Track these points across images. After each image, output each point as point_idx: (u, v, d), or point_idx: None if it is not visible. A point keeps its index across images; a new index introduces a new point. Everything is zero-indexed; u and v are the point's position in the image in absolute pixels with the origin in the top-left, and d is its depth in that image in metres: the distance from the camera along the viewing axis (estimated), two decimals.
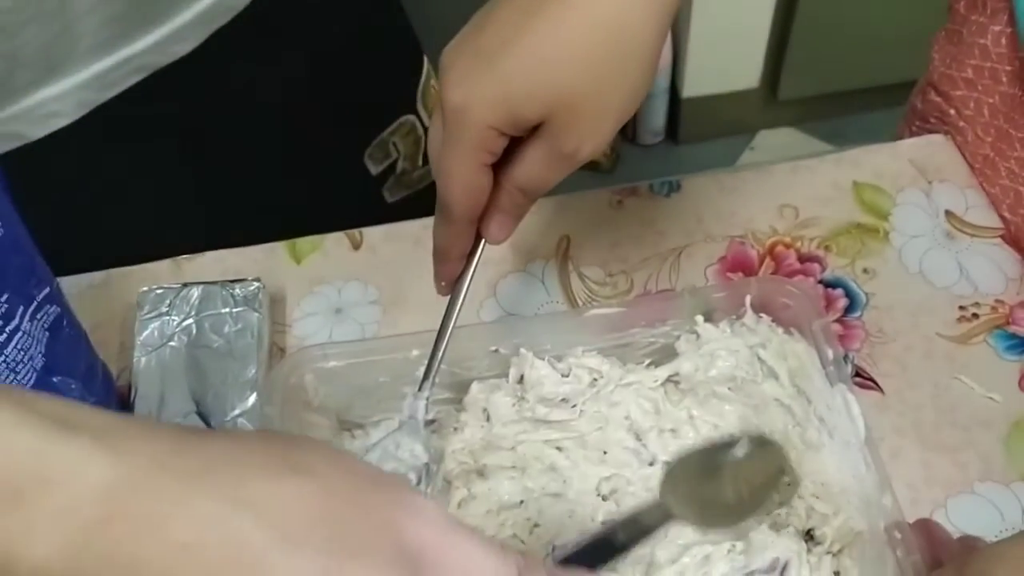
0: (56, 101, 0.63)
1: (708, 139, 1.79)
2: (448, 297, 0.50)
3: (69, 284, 0.66)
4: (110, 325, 0.64)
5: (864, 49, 1.61)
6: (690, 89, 1.72)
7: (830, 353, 0.51)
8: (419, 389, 0.51)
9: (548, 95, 0.41)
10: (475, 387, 0.55)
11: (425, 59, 0.84)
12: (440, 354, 0.50)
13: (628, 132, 1.83)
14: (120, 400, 0.59)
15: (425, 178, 0.85)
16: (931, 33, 0.71)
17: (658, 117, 1.79)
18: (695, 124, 1.78)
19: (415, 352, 0.54)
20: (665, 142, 1.83)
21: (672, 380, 0.54)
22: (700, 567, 0.49)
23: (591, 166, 1.79)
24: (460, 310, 0.50)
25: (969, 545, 0.46)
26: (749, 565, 0.49)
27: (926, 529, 0.47)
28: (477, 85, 0.41)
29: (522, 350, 0.54)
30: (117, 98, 0.65)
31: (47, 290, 0.49)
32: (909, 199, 0.68)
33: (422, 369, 0.54)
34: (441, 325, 0.50)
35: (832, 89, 1.74)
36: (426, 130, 0.82)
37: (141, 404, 0.58)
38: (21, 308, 0.47)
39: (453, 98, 0.42)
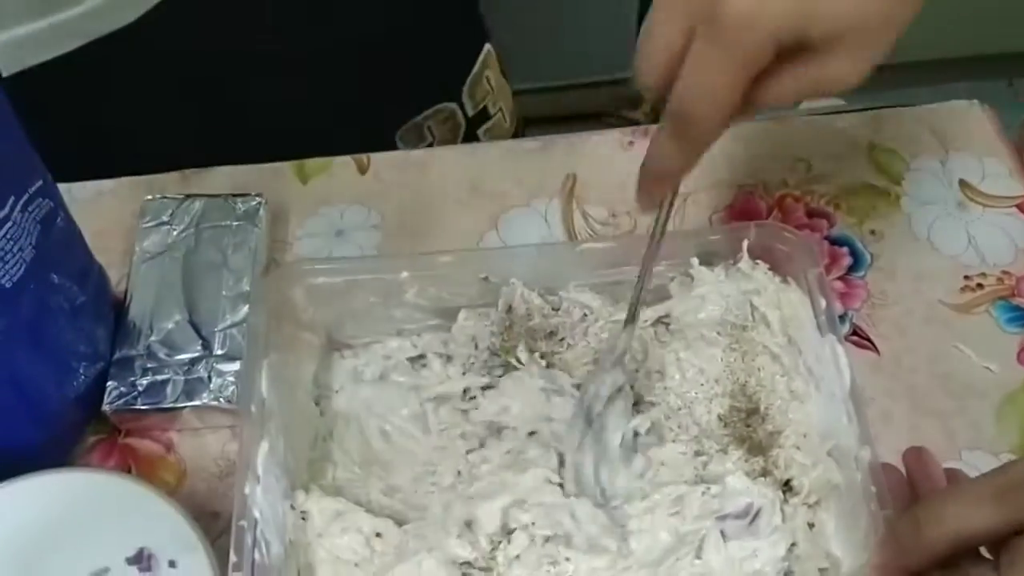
0: None
1: None
2: (653, 217, 0.48)
3: (78, 189, 0.67)
4: (115, 232, 0.64)
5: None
6: None
7: (823, 302, 0.50)
8: (625, 325, 0.50)
9: (851, 11, 0.38)
10: (462, 315, 0.55)
11: (487, 46, 0.81)
12: (642, 284, 0.49)
13: None
14: (115, 305, 0.59)
15: None
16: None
17: None
18: None
19: (405, 274, 0.53)
20: None
21: (663, 321, 0.54)
22: (672, 506, 0.49)
23: (631, 124, 1.76)
24: (663, 236, 0.48)
25: (953, 479, 0.45)
26: (722, 508, 0.48)
27: (918, 458, 0.46)
28: None
29: (512, 280, 0.54)
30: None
31: (40, 183, 0.49)
32: (924, 165, 0.67)
33: (413, 291, 0.54)
34: (645, 254, 0.49)
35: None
36: (468, 119, 0.80)
37: (135, 310, 0.58)
38: (12, 198, 0.47)
39: (742, 4, 0.37)
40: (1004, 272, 0.62)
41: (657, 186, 0.46)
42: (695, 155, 0.44)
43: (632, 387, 0.51)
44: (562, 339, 0.54)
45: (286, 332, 0.54)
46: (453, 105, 0.79)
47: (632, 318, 0.50)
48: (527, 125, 0.94)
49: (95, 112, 0.70)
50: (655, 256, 0.49)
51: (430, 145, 0.79)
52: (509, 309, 0.54)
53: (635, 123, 1.73)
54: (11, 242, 0.47)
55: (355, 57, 0.72)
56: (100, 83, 0.68)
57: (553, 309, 0.55)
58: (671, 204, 0.48)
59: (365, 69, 0.73)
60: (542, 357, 0.54)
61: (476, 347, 0.55)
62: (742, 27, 0.38)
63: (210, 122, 0.71)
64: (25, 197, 0.48)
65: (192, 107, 0.71)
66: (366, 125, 0.74)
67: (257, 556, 0.45)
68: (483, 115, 0.81)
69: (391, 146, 0.77)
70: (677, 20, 0.40)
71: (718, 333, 0.53)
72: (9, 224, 0.47)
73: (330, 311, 0.55)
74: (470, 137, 0.81)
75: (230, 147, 0.68)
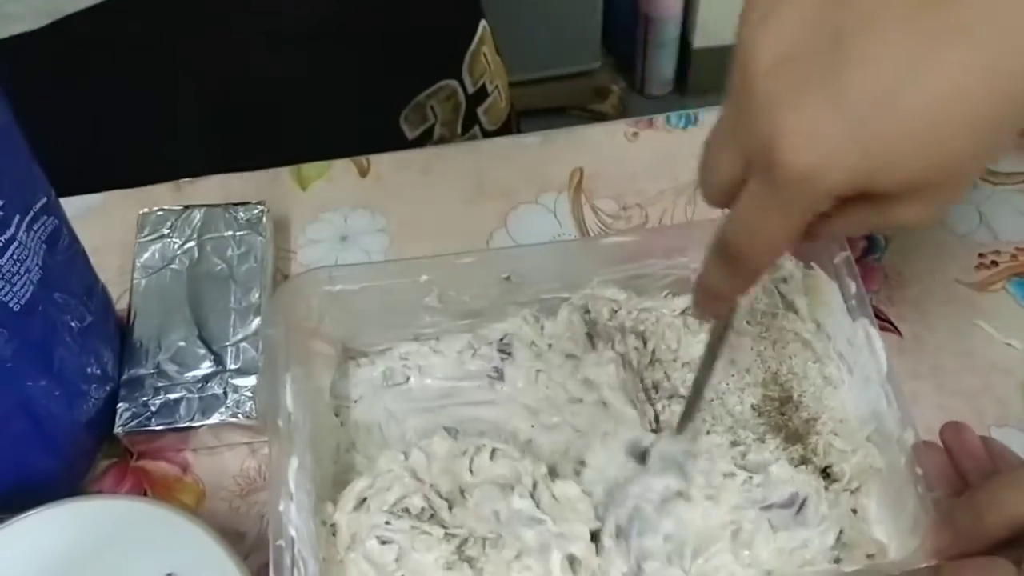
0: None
1: (718, 91, 1.76)
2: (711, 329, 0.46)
3: (65, 206, 0.64)
4: (108, 249, 0.62)
5: None
6: (701, 40, 1.69)
7: (852, 287, 0.50)
8: (677, 431, 0.49)
9: (921, 168, 0.33)
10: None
11: (483, 22, 0.79)
12: (700, 396, 0.48)
13: (636, 82, 1.81)
14: (118, 323, 0.57)
15: None
16: None
17: (667, 68, 1.76)
18: (705, 76, 1.75)
19: (424, 277, 0.52)
20: (673, 94, 1.80)
21: (690, 312, 0.53)
22: (716, 495, 0.48)
23: (598, 117, 1.76)
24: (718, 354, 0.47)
25: (994, 452, 0.45)
26: (767, 498, 0.47)
27: (957, 433, 0.45)
28: (838, 150, 0.33)
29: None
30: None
31: (44, 200, 0.47)
32: None
33: (433, 295, 0.53)
34: (699, 370, 0.47)
35: None
36: (468, 97, 0.78)
37: (141, 328, 0.56)
38: (17, 217, 0.45)
39: (801, 161, 0.33)
40: (1018, 248, 0.61)
41: (710, 304, 0.43)
42: (744, 284, 0.41)
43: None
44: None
45: (301, 344, 0.52)
46: (454, 83, 0.77)
47: (683, 427, 0.48)
48: None
49: (75, 116, 0.67)
50: (708, 377, 0.47)
51: (432, 127, 0.78)
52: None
53: (602, 116, 1.74)
54: (18, 263, 0.45)
55: (355, 33, 0.71)
56: (76, 76, 0.65)
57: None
58: (728, 323, 0.45)
59: (365, 46, 0.71)
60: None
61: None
62: (799, 185, 0.34)
63: (208, 107, 0.69)
64: (30, 216, 0.46)
65: (188, 92, 0.69)
66: (368, 105, 0.72)
67: (296, 575, 0.44)
68: (482, 93, 0.79)
69: (395, 129, 0.76)
70: (734, 152, 0.36)
71: (747, 322, 0.52)
72: (15, 245, 0.45)
73: (346, 320, 0.54)
74: (470, 117, 0.79)
75: (228, 142, 0.66)
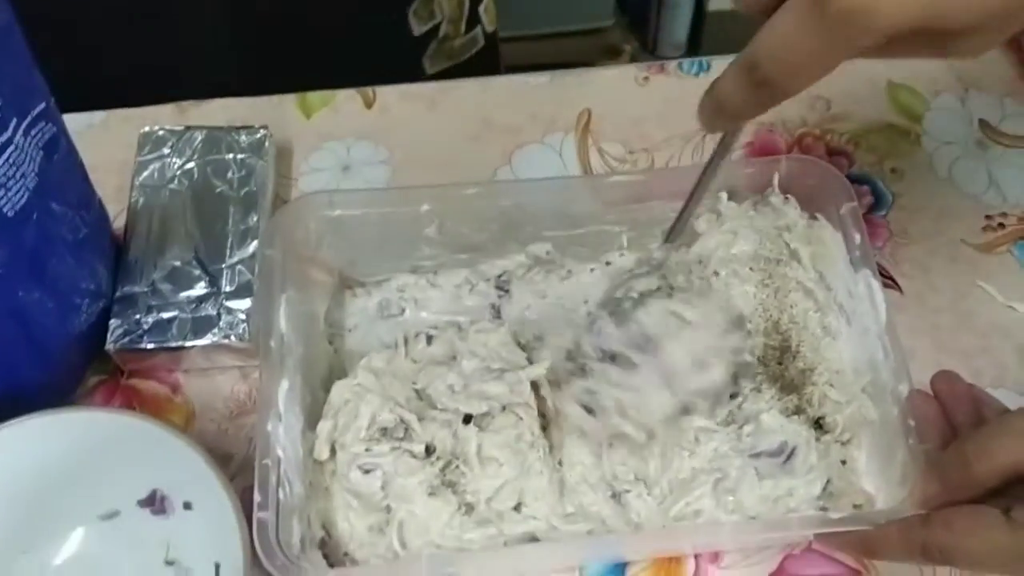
0: None
1: (731, 55, 1.74)
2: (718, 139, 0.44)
3: (67, 123, 0.64)
4: (108, 167, 0.61)
5: None
6: (716, 1, 1.67)
7: (857, 238, 0.49)
8: (666, 240, 0.47)
9: (978, 10, 0.33)
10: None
11: None
12: (691, 201, 0.45)
13: (648, 43, 1.78)
14: (115, 240, 0.57)
15: (467, 48, 0.81)
16: None
17: (680, 29, 1.74)
18: (719, 39, 1.73)
19: (425, 207, 0.51)
20: (686, 56, 1.78)
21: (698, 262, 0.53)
22: (705, 443, 0.47)
23: None
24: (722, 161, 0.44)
25: (980, 400, 0.45)
26: (756, 446, 0.47)
27: (949, 382, 0.45)
28: None
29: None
30: None
31: (43, 106, 0.46)
32: (944, 104, 0.66)
33: (433, 226, 0.52)
34: (702, 173, 0.45)
35: None
36: None
37: (137, 246, 0.56)
38: (15, 120, 0.44)
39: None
40: None
41: (718, 118, 0.40)
42: (764, 107, 0.38)
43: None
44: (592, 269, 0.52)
45: (298, 269, 0.52)
46: None
47: (672, 235, 0.47)
48: (510, 72, 0.92)
49: (76, 32, 0.66)
50: (711, 180, 0.45)
51: (438, 24, 0.77)
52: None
53: None
54: (14, 168, 0.44)
55: None
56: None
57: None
58: (735, 135, 0.44)
59: None
60: None
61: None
62: (858, 17, 0.32)
63: (218, 20, 0.68)
64: (28, 120, 0.45)
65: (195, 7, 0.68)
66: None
67: (281, 495, 0.44)
68: None
69: (403, 24, 0.75)
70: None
71: (751, 269, 0.52)
72: (11, 148, 0.44)
73: (344, 247, 0.53)
74: (472, 15, 0.79)
75: (236, 60, 0.64)
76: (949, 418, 0.45)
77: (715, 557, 0.51)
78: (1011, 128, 0.64)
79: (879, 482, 0.47)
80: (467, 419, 0.49)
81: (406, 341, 0.51)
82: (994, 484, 0.40)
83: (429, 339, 0.51)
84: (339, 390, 0.50)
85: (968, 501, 0.41)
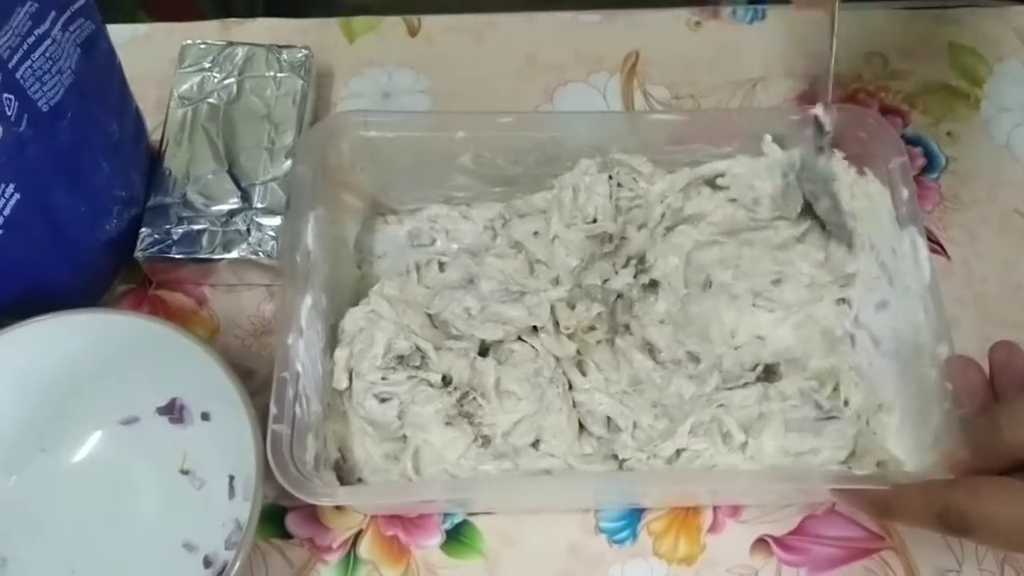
0: None
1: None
2: None
3: (110, 33, 0.63)
4: (148, 80, 0.60)
5: None
6: None
7: (904, 193, 0.48)
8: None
9: None
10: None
11: None
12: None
13: None
14: (150, 151, 0.56)
15: None
16: None
17: None
18: None
19: (460, 134, 0.50)
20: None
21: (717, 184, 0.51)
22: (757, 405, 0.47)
23: None
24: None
25: None
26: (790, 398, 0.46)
27: (1008, 354, 0.44)
28: None
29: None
30: None
31: (82, 1, 0.45)
32: (1007, 70, 0.63)
33: (468, 154, 0.51)
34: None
35: None
36: None
37: (171, 156, 0.55)
38: (53, 13, 0.43)
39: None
40: None
41: None
42: None
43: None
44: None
45: (330, 191, 0.51)
46: None
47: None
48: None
49: None
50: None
51: None
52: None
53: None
54: (50, 62, 0.44)
55: None
56: None
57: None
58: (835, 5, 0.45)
59: None
60: None
61: None
62: None
63: None
64: (67, 15, 0.44)
65: None
66: None
67: (298, 410, 0.43)
68: None
69: None
70: None
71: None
72: (48, 42, 0.43)
73: (377, 171, 0.52)
74: None
75: None
76: (998, 390, 0.43)
77: (733, 512, 0.50)
78: None
79: (910, 445, 0.46)
80: (484, 351, 0.48)
81: (418, 268, 0.51)
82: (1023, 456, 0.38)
83: (441, 265, 0.50)
84: (352, 317, 0.49)
85: (999, 471, 0.39)
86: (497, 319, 0.48)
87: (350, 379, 0.48)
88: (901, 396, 0.47)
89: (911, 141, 0.60)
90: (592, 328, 0.49)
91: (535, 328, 0.48)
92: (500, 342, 0.48)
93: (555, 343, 0.48)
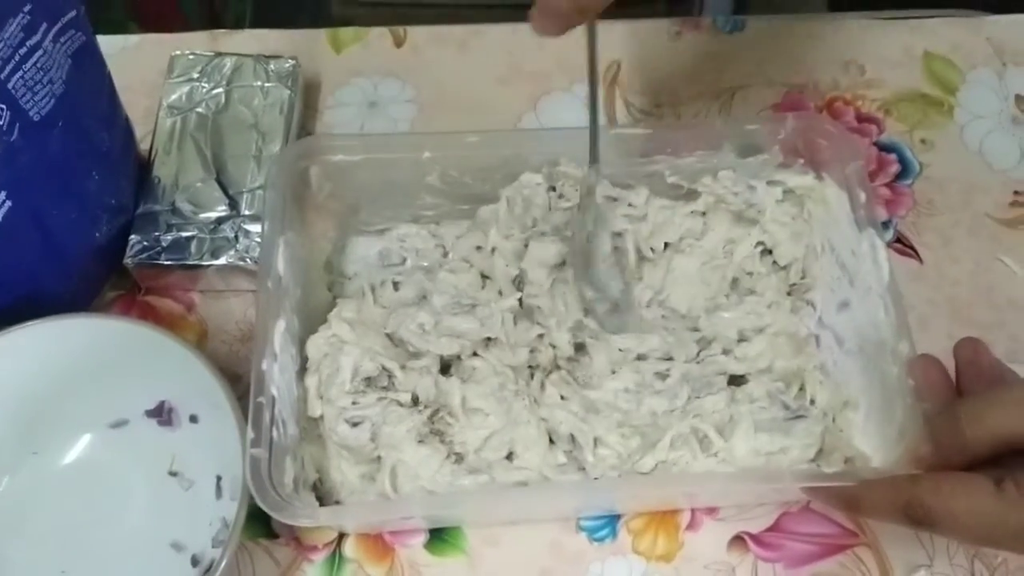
0: None
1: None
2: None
3: (101, 44, 0.64)
4: (138, 89, 0.62)
5: None
6: None
7: (862, 196, 0.49)
8: (590, 164, 0.48)
9: None
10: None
11: None
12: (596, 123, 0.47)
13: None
14: (139, 159, 0.57)
15: None
16: None
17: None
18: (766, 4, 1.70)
19: (427, 154, 0.51)
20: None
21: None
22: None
23: None
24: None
25: (1001, 375, 0.44)
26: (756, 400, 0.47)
27: (973, 350, 0.45)
28: None
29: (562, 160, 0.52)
30: None
31: (73, 13, 0.47)
32: (980, 78, 0.65)
33: (435, 173, 0.52)
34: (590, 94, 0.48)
35: None
36: None
37: (160, 164, 0.56)
38: (44, 25, 0.45)
39: None
40: None
41: (549, 22, 0.42)
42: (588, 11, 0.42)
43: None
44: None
45: (301, 215, 0.51)
46: None
47: (595, 156, 0.48)
48: None
49: None
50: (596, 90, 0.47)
51: None
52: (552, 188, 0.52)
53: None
54: (41, 72, 0.45)
55: None
56: None
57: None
58: (592, 33, 0.46)
59: None
60: None
61: None
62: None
63: None
64: (58, 27, 0.45)
65: None
66: None
67: (275, 434, 0.44)
68: None
69: None
70: None
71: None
72: (40, 53, 0.45)
73: (346, 193, 0.53)
74: None
75: None
76: (963, 387, 0.44)
77: (711, 510, 0.51)
78: None
79: (876, 442, 0.47)
80: (445, 369, 0.49)
81: (373, 289, 0.51)
82: (985, 452, 0.39)
83: (395, 284, 0.51)
84: (315, 343, 0.49)
85: (962, 467, 0.40)
86: (451, 333, 0.48)
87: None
88: (865, 393, 0.48)
89: (886, 148, 0.61)
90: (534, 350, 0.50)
91: (489, 341, 0.49)
92: (459, 359, 0.49)
93: (509, 354, 0.48)
